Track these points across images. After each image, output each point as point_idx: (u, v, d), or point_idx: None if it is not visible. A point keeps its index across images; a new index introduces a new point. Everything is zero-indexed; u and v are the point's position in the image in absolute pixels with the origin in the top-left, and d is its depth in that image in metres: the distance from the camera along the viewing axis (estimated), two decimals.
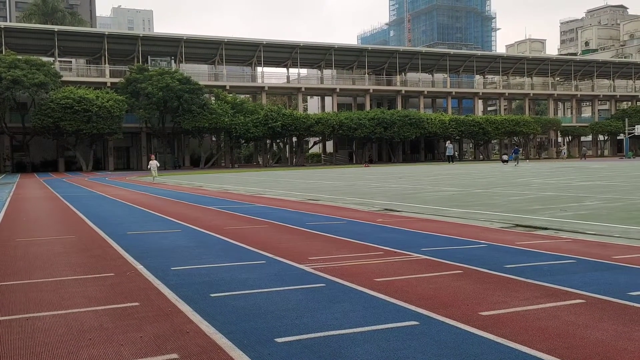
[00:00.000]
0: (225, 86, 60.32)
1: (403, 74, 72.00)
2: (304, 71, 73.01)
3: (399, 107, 67.88)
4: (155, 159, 27.06)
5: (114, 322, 3.60)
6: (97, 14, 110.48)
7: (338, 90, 66.54)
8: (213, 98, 57.89)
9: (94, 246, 6.96)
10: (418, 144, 69.64)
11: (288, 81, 68.00)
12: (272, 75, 67.49)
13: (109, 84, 53.84)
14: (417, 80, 71.62)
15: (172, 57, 60.65)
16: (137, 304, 4.04)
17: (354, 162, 66.41)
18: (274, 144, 63.93)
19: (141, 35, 58.81)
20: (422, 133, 62.57)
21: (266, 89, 64.31)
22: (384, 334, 3.22)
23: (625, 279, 4.58)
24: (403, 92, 69.61)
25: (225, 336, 3.25)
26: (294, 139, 64.40)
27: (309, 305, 3.92)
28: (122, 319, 3.67)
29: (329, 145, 69.89)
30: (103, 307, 3.96)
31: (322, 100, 73.68)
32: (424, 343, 3.05)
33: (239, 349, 3.03)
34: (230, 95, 58.42)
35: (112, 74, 56.02)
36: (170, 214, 11.03)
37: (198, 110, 52.22)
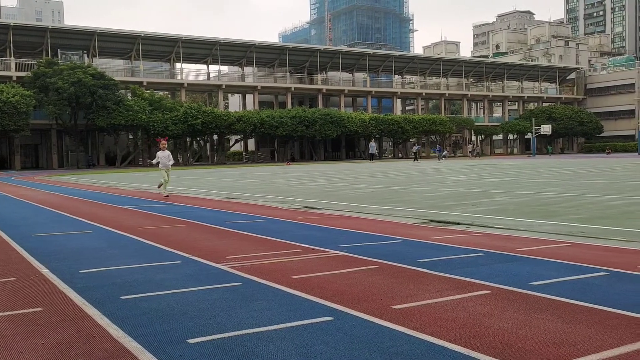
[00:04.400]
0: (142, 82, 58.54)
1: (324, 72, 72.69)
2: (224, 68, 72.05)
3: (320, 106, 68.47)
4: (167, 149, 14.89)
5: (14, 328, 3.39)
6: (2, 4, 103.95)
7: (259, 88, 66.22)
8: (129, 94, 55.93)
9: None
10: (339, 143, 70.53)
11: (208, 78, 66.91)
12: (191, 71, 66.12)
13: (14, 78, 50.87)
14: (337, 79, 72.52)
15: (85, 51, 58.12)
16: (40, 309, 3.83)
17: (276, 160, 66.32)
18: (194, 142, 62.68)
19: (50, 27, 55.97)
20: (343, 131, 63.41)
21: (186, 85, 62.99)
22: (299, 331, 3.22)
23: (528, 269, 4.83)
24: (324, 90, 70.26)
25: (135, 339, 3.14)
26: (215, 137, 63.46)
27: (224, 304, 3.86)
28: (23, 325, 3.47)
29: (251, 144, 69.46)
30: (2, 314, 3.72)
31: (244, 98, 73.10)
32: (338, 338, 3.08)
33: (149, 352, 2.94)
34: (148, 91, 56.75)
35: (18, 68, 52.93)
36: (81, 214, 10.56)
37: (113, 107, 50.34)
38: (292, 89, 67.77)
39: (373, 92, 74.12)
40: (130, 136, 59.19)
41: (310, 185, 18.97)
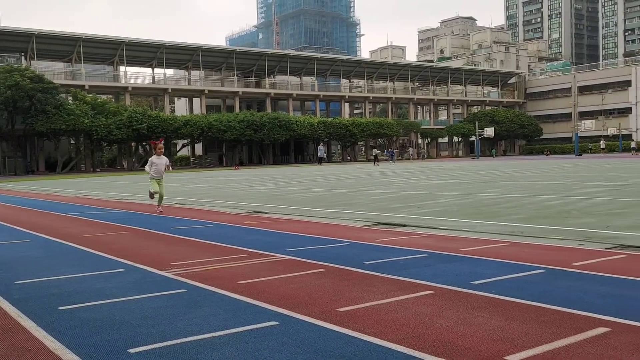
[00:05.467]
0: (84, 86, 56.88)
1: (272, 76, 72.58)
2: (170, 72, 70.89)
3: (269, 110, 68.31)
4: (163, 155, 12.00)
5: None
6: None
7: (206, 91, 65.47)
8: (70, 98, 54.24)
9: None
10: (288, 146, 70.51)
11: (154, 82, 65.69)
12: (136, 75, 64.73)
13: None
14: (286, 83, 72.53)
15: (23, 54, 56.03)
16: None
17: (224, 164, 65.70)
18: (139, 146, 61.32)
19: None
20: (291, 135, 63.43)
21: (130, 89, 61.61)
22: (244, 336, 3.20)
23: (470, 269, 4.96)
24: (272, 94, 70.13)
25: (73, 351, 3.04)
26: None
27: (167, 312, 3.79)
28: None
29: (198, 148, 68.55)
30: None
31: (190, 102, 72.09)
32: (283, 342, 3.07)
33: None
34: (90, 95, 55.17)
35: None
36: (18, 222, 10.16)
37: (53, 111, 48.68)
38: (240, 92, 67.32)
39: (321, 96, 74.51)
40: (72, 141, 57.38)
41: (259, 189, 18.88)
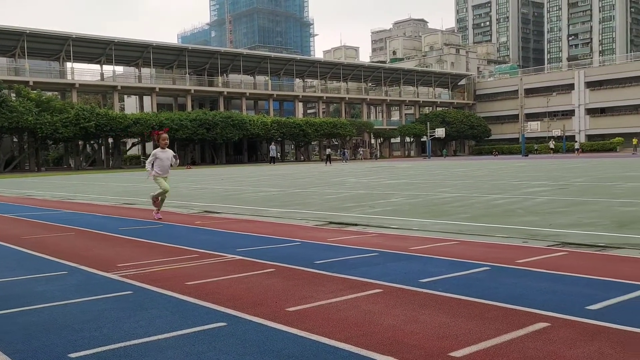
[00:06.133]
0: (28, 82, 54.93)
1: (225, 75, 71.89)
2: (120, 69, 69.27)
3: (222, 109, 67.65)
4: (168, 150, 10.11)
5: None
6: None
7: (157, 89, 64.30)
8: (13, 94, 52.27)
9: None
10: (241, 146, 70.02)
11: (102, 79, 64.03)
12: (84, 71, 62.97)
13: None
14: (239, 81, 72.00)
15: None
16: None
17: None
18: (87, 145, 59.67)
19: None
20: (245, 134, 63.01)
21: (77, 86, 59.86)
22: (190, 338, 3.15)
23: (419, 267, 5.03)
24: (225, 93, 69.49)
25: (10, 357, 2.92)
26: (110, 140, 60.82)
27: (112, 315, 3.69)
28: None
29: (149, 147, 67.18)
30: None
31: (141, 100, 70.67)
32: (230, 343, 3.04)
33: None
34: (35, 92, 53.32)
35: None
36: None
37: None
38: (192, 91, 66.40)
39: (275, 95, 74.31)
40: (15, 139, 55.32)
41: (211, 189, 18.67)
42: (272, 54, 78.94)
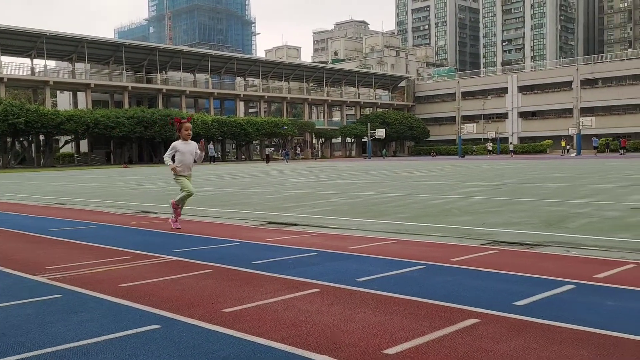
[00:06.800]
0: None
1: (164, 72, 70.38)
2: (52, 63, 66.60)
3: (160, 106, 66.23)
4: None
5: None
6: None
7: (93, 85, 62.24)
8: None
9: None
10: None
11: (33, 73, 61.37)
12: (13, 65, 60.11)
13: None
14: (178, 79, 70.66)
15: None
16: None
17: (112, 162, 62.83)
18: (16, 142, 57.04)
19: None
20: None
21: (5, 80, 57.14)
22: (122, 342, 3.07)
23: (356, 266, 5.09)
24: (164, 90, 68.06)
25: None
26: (42, 138, 58.40)
27: (39, 319, 3.55)
28: None
29: (84, 145, 64.99)
30: None
31: (75, 96, 68.23)
32: (164, 346, 2.98)
33: None
34: None
35: None
36: None
37: None
38: (130, 88, 64.65)
39: (215, 94, 73.37)
40: None
41: (149, 188, 18.25)
42: (213, 52, 77.92)
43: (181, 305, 3.81)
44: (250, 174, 28.52)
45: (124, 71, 65.94)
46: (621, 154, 58.31)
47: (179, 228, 7.98)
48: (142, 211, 10.89)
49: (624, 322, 3.23)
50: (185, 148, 8.11)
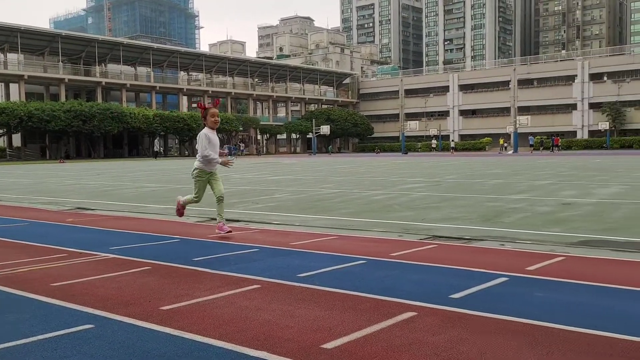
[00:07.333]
0: None
1: (103, 64, 68.24)
2: None
3: (100, 100, 64.23)
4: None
5: None
6: None
7: (26, 77, 59.69)
8: None
9: None
10: (121, 139, 66.91)
11: None
12: None
13: None
14: (119, 72, 68.65)
15: None
16: None
17: (48, 157, 60.51)
18: None
19: None
20: (125, 128, 60.29)
21: None
22: (53, 343, 2.96)
23: (298, 262, 5.10)
24: (103, 83, 66.03)
25: None
26: None
27: None
28: None
29: (16, 139, 62.24)
30: None
31: (7, 88, 65.14)
32: (97, 346, 2.90)
33: None
34: None
35: None
36: None
37: None
38: (66, 80, 62.36)
39: (157, 88, 71.75)
40: None
41: (86, 184, 17.68)
42: (155, 45, 76.14)
43: (117, 304, 3.71)
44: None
45: (61, 63, 63.52)
46: (552, 151, 60.86)
47: (230, 231, 6.79)
48: (79, 208, 10.54)
49: (551, 313, 3.38)
50: (215, 139, 6.80)
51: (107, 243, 6.29)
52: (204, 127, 6.84)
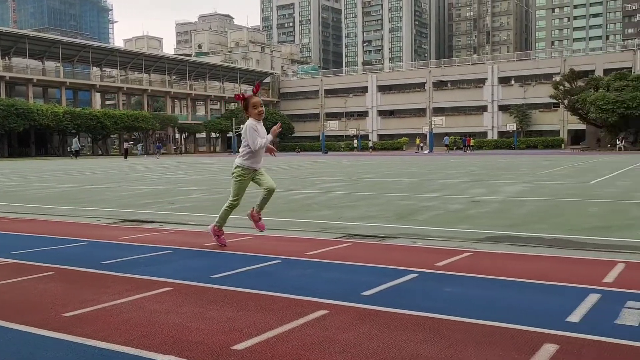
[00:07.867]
0: None
1: (7, 58, 64.30)
2: None
3: (3, 96, 60.44)
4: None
5: None
6: None
7: None
8: None
9: None
10: (28, 137, 63.31)
11: None
12: None
13: None
14: (24, 66, 64.90)
15: None
16: None
17: None
18: None
19: None
20: (31, 125, 57.10)
21: None
22: None
23: (212, 263, 5.02)
24: (7, 78, 62.25)
25: None
26: None
27: None
28: None
29: None
30: None
31: None
32: None
33: None
34: None
35: None
36: None
37: None
38: None
39: (68, 83, 68.45)
40: None
41: None
42: (65, 39, 72.60)
43: (14, 312, 3.50)
44: (106, 169, 27.01)
45: None
46: (465, 151, 63.56)
47: (262, 226, 6.20)
48: None
49: (456, 307, 3.51)
50: (263, 130, 5.91)
51: (8, 247, 5.92)
52: (247, 119, 5.94)
